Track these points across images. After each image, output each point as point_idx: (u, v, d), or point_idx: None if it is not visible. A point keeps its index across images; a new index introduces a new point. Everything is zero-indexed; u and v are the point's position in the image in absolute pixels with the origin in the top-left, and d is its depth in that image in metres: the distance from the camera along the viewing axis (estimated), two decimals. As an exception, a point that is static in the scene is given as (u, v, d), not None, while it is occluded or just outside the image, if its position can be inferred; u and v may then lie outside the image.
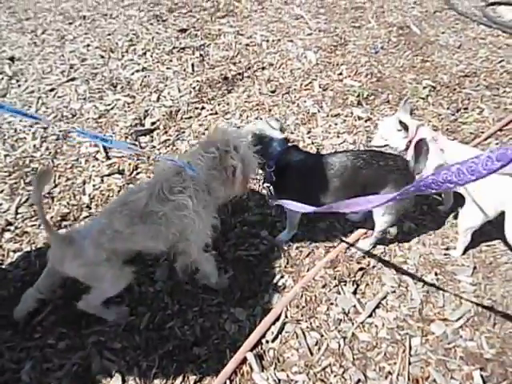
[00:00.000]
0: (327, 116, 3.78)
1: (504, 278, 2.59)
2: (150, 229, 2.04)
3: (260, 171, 2.54)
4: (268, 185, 2.53)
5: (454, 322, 2.37)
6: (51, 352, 2.19)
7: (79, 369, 2.13)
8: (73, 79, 4.06)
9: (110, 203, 2.17)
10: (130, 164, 3.21)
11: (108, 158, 3.27)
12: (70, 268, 2.03)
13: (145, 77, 4.14)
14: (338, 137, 3.56)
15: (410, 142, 2.68)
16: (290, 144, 2.51)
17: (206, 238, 2.25)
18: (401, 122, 2.63)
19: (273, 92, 4.05)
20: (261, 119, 2.76)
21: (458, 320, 2.38)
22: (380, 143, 2.87)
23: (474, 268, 2.64)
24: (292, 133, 3.57)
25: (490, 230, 2.69)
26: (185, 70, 4.27)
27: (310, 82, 4.18)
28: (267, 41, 4.78)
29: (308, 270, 2.60)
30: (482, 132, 3.64)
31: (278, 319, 2.36)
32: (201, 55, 4.48)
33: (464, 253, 2.70)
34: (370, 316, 2.40)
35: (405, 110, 2.76)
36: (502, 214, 2.43)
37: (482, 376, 2.14)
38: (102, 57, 4.39)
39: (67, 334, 2.25)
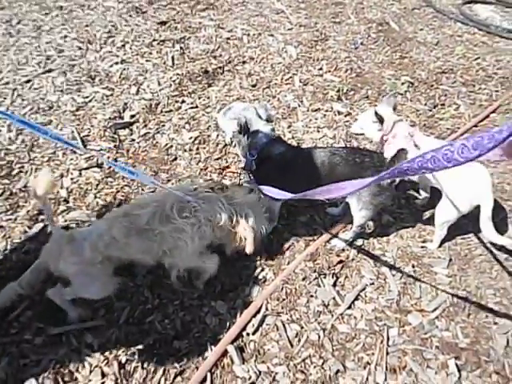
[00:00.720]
0: (307, 111, 3.80)
1: (478, 270, 2.66)
2: (144, 243, 2.10)
3: (242, 158, 2.57)
4: (249, 172, 2.56)
5: (430, 313, 2.42)
6: (28, 348, 2.15)
7: (57, 364, 2.10)
8: (49, 71, 3.97)
9: (114, 211, 2.24)
10: (108, 157, 3.17)
11: (86, 151, 3.21)
12: (64, 264, 2.04)
13: (124, 69, 4.08)
14: (318, 131, 3.59)
15: (387, 136, 2.73)
16: (274, 136, 2.52)
17: (194, 260, 2.31)
18: (377, 114, 2.67)
19: (253, 86, 4.04)
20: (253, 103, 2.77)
21: (434, 311, 2.44)
22: (357, 131, 2.96)
23: (450, 260, 2.70)
24: (272, 127, 3.58)
25: (466, 223, 2.76)
26: (165, 62, 4.22)
27: (291, 77, 4.19)
28: (248, 35, 4.77)
29: (288, 263, 2.62)
30: (458, 128, 3.72)
31: (258, 312, 2.37)
32: (181, 48, 4.44)
33: (440, 245, 2.77)
34: (349, 308, 2.43)
35: (388, 104, 2.80)
36: (477, 208, 2.50)
37: (456, 364, 2.20)
38: (80, 48, 4.30)
39: (44, 329, 2.21)
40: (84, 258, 2.03)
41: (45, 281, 2.29)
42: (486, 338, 2.33)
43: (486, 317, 2.43)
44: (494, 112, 3.93)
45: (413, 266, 2.66)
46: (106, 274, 2.15)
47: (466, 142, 1.17)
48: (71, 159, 3.14)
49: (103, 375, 2.09)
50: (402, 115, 3.74)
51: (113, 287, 2.20)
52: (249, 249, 2.28)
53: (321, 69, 4.34)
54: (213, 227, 2.19)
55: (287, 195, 2.08)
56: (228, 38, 4.68)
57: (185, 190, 2.19)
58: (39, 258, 2.18)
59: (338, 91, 3.99)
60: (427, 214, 2.96)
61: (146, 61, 4.23)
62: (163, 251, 2.18)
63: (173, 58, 4.28)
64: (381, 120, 2.69)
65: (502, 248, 2.70)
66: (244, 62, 4.35)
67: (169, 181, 3.06)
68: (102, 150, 3.24)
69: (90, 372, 2.10)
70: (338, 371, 2.17)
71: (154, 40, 4.51)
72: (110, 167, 3.10)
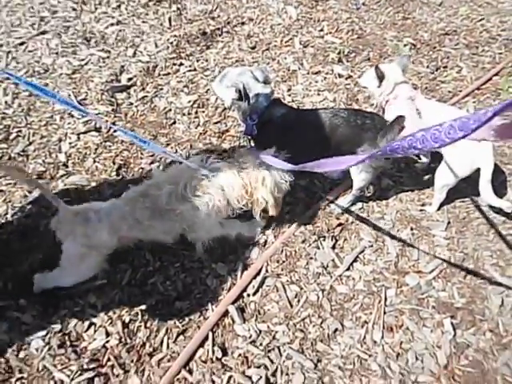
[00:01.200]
0: (308, 73, 3.74)
1: (476, 233, 2.69)
2: (166, 224, 2.12)
3: (241, 123, 2.53)
4: (249, 137, 2.54)
5: (427, 274, 2.47)
6: (26, 315, 2.18)
7: (62, 325, 2.15)
8: (44, 32, 3.87)
9: (129, 191, 2.17)
10: (106, 121, 3.14)
11: (84, 115, 3.18)
12: (71, 243, 2.04)
13: (120, 31, 3.98)
14: (319, 94, 3.54)
15: (388, 97, 2.70)
16: (273, 98, 2.50)
17: (215, 231, 2.35)
18: (377, 70, 2.63)
19: (253, 48, 3.96)
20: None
21: (431, 272, 2.48)
22: (363, 83, 2.93)
23: (448, 223, 2.73)
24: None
25: (465, 187, 2.76)
26: (161, 24, 4.12)
27: (291, 39, 4.09)
28: (247, -6, 4.62)
29: (288, 226, 2.64)
30: (460, 91, 3.66)
31: (258, 274, 2.42)
32: (178, 9, 4.31)
33: (439, 209, 2.78)
34: (348, 269, 2.48)
35: (398, 64, 2.75)
36: (477, 171, 2.50)
37: (452, 323, 2.26)
38: (74, 9, 4.18)
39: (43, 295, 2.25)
40: (98, 241, 2.02)
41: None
42: (482, 298, 2.38)
43: (482, 278, 2.47)
44: (496, 75, 3.86)
45: (411, 229, 2.68)
46: (102, 257, 2.17)
47: (454, 122, 1.17)
48: (69, 123, 3.11)
49: (107, 334, 2.15)
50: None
51: (95, 270, 2.22)
52: (272, 212, 2.28)
53: (321, 30, 4.23)
54: (228, 200, 2.16)
55: (287, 165, 2.07)
56: (226, -2, 4.55)
57: (196, 162, 2.15)
58: None
59: (339, 53, 3.91)
60: (427, 178, 2.96)
61: (143, 22, 4.12)
62: (183, 229, 2.21)
63: (170, 19, 4.17)
64: (380, 77, 2.65)
65: (500, 211, 2.71)
66: (243, 23, 4.24)
67: (168, 145, 3.05)
68: (99, 113, 3.20)
69: (95, 331, 2.16)
70: (336, 330, 2.23)
71: (150, 0, 4.38)
72: (109, 131, 3.07)
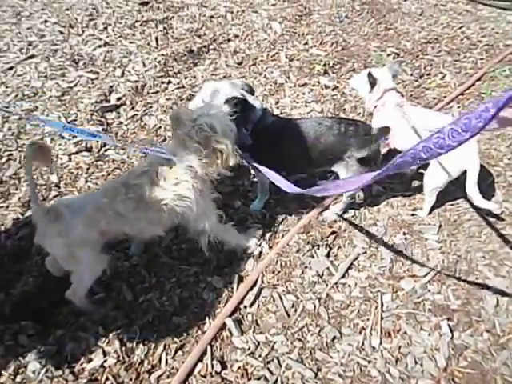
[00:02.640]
0: (294, 86, 3.80)
1: (467, 235, 2.72)
2: (154, 215, 2.04)
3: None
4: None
5: (422, 278, 2.48)
6: (23, 337, 2.14)
7: (58, 346, 2.13)
8: (32, 56, 3.91)
9: (109, 182, 2.07)
10: (97, 141, 3.15)
11: (74, 135, 3.20)
12: (51, 245, 1.95)
13: (107, 52, 4.03)
14: (306, 106, 3.59)
15: (376, 103, 2.75)
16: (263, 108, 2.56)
17: (213, 213, 2.30)
18: (370, 76, 2.68)
19: (239, 64, 4.02)
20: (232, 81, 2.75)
21: (425, 275, 2.50)
22: (353, 86, 2.99)
23: (440, 226, 2.76)
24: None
25: (454, 190, 2.80)
26: (149, 43, 4.17)
27: (277, 53, 4.17)
28: (231, 12, 4.71)
29: (282, 237, 2.65)
30: (445, 96, 3.74)
31: (254, 285, 2.42)
32: (164, 28, 4.38)
33: (430, 212, 2.82)
34: (343, 277, 2.48)
35: (389, 69, 2.80)
36: (464, 173, 2.55)
37: (449, 325, 2.27)
38: (62, 33, 4.23)
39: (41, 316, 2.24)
40: (75, 238, 1.88)
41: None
42: (477, 299, 2.40)
43: (476, 279, 2.49)
44: (479, 80, 3.95)
45: (404, 234, 2.71)
46: (96, 251, 2.04)
47: (454, 125, 1.18)
48: (60, 144, 3.12)
49: (105, 354, 2.13)
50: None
51: (105, 262, 2.12)
52: (232, 159, 2.13)
53: (306, 43, 4.31)
54: (196, 172, 2.08)
55: (295, 189, 2.10)
56: (211, 17, 4.63)
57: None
58: None
59: (325, 65, 3.98)
60: (416, 183, 3.00)
61: (130, 42, 4.17)
62: (172, 221, 2.15)
63: (156, 38, 4.23)
64: (372, 83, 2.70)
65: (489, 212, 2.75)
66: (229, 40, 4.31)
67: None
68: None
69: (92, 351, 2.13)
70: (334, 338, 2.23)
71: (137, 21, 4.45)
72: (99, 151, 3.08)
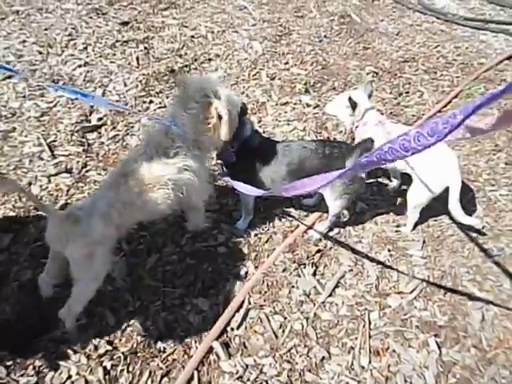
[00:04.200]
0: (276, 104, 3.82)
1: (451, 250, 2.75)
2: (160, 193, 2.07)
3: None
4: (222, 163, 2.60)
5: (408, 294, 2.49)
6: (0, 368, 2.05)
7: (38, 376, 2.04)
8: (10, 77, 3.83)
9: (107, 177, 2.13)
10: (78, 162, 3.10)
11: (54, 156, 3.13)
12: (74, 248, 1.92)
13: (88, 72, 3.99)
14: (289, 124, 3.61)
15: (358, 123, 2.78)
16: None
17: (208, 189, 2.38)
18: (350, 100, 2.72)
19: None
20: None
21: (411, 292, 2.50)
22: (330, 112, 3.00)
23: (424, 242, 2.78)
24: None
25: (437, 206, 2.83)
26: (129, 63, 4.15)
27: (258, 72, 4.20)
28: (212, 32, 4.74)
29: (268, 256, 2.63)
30: (423, 114, 3.82)
31: (241, 306, 2.38)
32: (145, 48, 4.37)
33: (413, 229, 2.84)
34: (330, 295, 2.47)
35: (364, 90, 2.85)
36: (447, 190, 2.58)
37: (436, 342, 2.28)
38: (40, 53, 4.18)
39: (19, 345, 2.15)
40: (96, 236, 1.92)
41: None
42: (463, 315, 2.42)
43: (461, 294, 2.51)
44: (456, 97, 4.06)
45: (389, 251, 2.72)
46: (109, 251, 2.06)
47: (421, 129, 1.20)
48: (38, 166, 3.05)
49: (87, 382, 2.05)
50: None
51: (109, 266, 2.12)
52: (225, 133, 2.20)
53: (287, 63, 4.36)
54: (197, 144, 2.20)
55: (257, 192, 2.12)
56: (192, 36, 4.64)
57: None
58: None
59: (305, 84, 4.03)
60: (399, 199, 3.03)
61: (110, 62, 4.15)
62: (177, 196, 2.17)
63: (137, 58, 4.22)
64: (353, 106, 2.73)
65: (471, 228, 2.79)
66: (210, 60, 4.33)
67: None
68: (70, 154, 3.16)
69: (73, 382, 2.04)
70: (323, 358, 2.20)
71: (117, 41, 4.43)
72: (80, 172, 3.03)
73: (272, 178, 2.52)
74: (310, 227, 2.81)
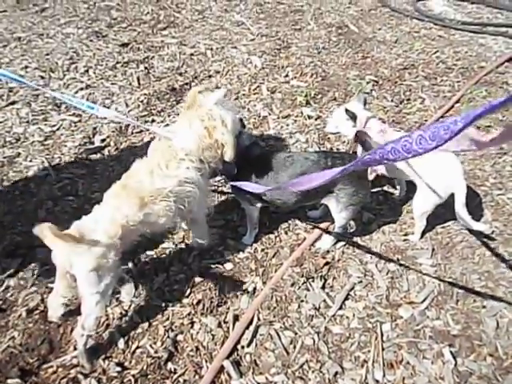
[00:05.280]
0: (278, 118, 3.83)
1: (461, 257, 2.71)
2: (162, 205, 2.10)
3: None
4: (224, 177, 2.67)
5: (419, 304, 2.45)
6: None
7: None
8: (13, 103, 3.89)
9: (109, 193, 2.12)
10: (83, 184, 3.11)
11: (59, 179, 3.15)
12: (80, 264, 1.93)
13: (90, 94, 4.03)
14: (291, 137, 3.61)
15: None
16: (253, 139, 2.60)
17: (208, 203, 2.42)
18: (347, 111, 2.71)
19: (222, 99, 4.05)
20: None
21: (423, 301, 2.46)
22: (332, 130, 2.99)
23: (433, 250, 2.74)
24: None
25: (444, 212, 2.80)
26: (130, 84, 4.20)
27: (258, 86, 4.22)
28: (211, 49, 4.79)
29: (275, 271, 2.61)
30: (426, 120, 3.80)
31: (250, 323, 2.35)
32: (146, 68, 4.42)
33: (422, 237, 2.81)
34: (341, 308, 2.44)
35: (358, 101, 2.86)
36: (452, 195, 2.55)
37: (451, 352, 2.22)
38: (43, 77, 4.24)
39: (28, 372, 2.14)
40: (101, 251, 1.93)
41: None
42: (477, 323, 2.37)
43: (474, 301, 2.47)
44: (457, 102, 4.04)
45: (398, 260, 2.69)
46: (116, 265, 2.06)
47: (423, 132, 1.20)
48: (44, 190, 3.07)
49: (98, 409, 2.03)
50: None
51: (118, 276, 2.14)
52: (229, 154, 2.28)
53: (287, 76, 4.39)
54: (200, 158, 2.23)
55: (263, 188, 2.18)
56: (192, 54, 4.69)
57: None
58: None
59: (306, 96, 4.04)
60: (406, 208, 3.00)
61: (112, 84, 4.19)
62: (179, 209, 2.20)
63: (138, 78, 4.26)
64: (353, 117, 2.73)
65: (480, 233, 2.75)
66: (210, 76, 4.36)
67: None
68: (75, 177, 3.18)
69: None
70: (336, 373, 2.16)
71: (118, 62, 4.48)
72: (86, 193, 3.04)
73: (275, 191, 2.51)
74: (317, 239, 2.78)
